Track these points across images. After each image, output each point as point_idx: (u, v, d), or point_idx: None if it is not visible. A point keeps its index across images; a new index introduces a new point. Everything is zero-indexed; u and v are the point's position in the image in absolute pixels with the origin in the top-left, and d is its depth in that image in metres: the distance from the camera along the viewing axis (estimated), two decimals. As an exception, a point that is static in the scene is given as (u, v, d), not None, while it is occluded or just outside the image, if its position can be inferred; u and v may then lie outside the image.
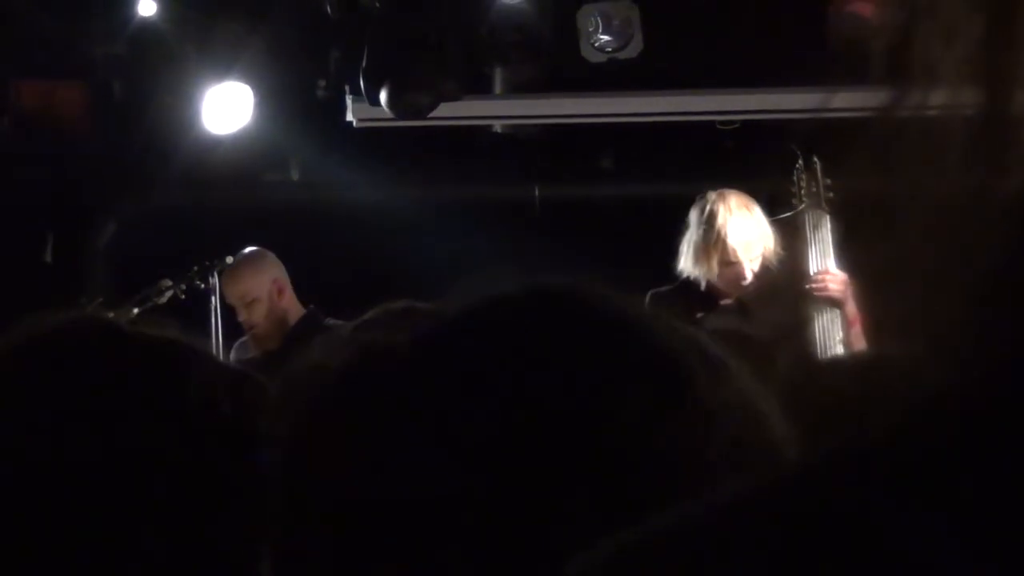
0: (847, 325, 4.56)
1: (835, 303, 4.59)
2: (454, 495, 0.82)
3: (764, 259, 4.77)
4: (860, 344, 4.41)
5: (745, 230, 4.75)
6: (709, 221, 4.75)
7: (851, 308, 4.51)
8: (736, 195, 4.82)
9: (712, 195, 4.82)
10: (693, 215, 4.82)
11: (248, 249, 5.69)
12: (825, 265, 4.68)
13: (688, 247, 4.82)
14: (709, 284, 4.81)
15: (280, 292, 5.57)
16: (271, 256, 5.67)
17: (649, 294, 4.80)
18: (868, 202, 0.55)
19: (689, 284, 4.85)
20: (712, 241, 4.73)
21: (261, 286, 5.54)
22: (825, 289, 4.61)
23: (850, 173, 0.55)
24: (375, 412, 0.86)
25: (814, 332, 4.62)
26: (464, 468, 0.82)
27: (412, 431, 0.84)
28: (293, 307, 5.61)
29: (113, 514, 1.12)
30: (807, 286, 4.65)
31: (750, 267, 4.75)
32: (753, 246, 4.75)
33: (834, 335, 4.60)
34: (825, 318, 4.60)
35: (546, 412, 0.83)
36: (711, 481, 0.81)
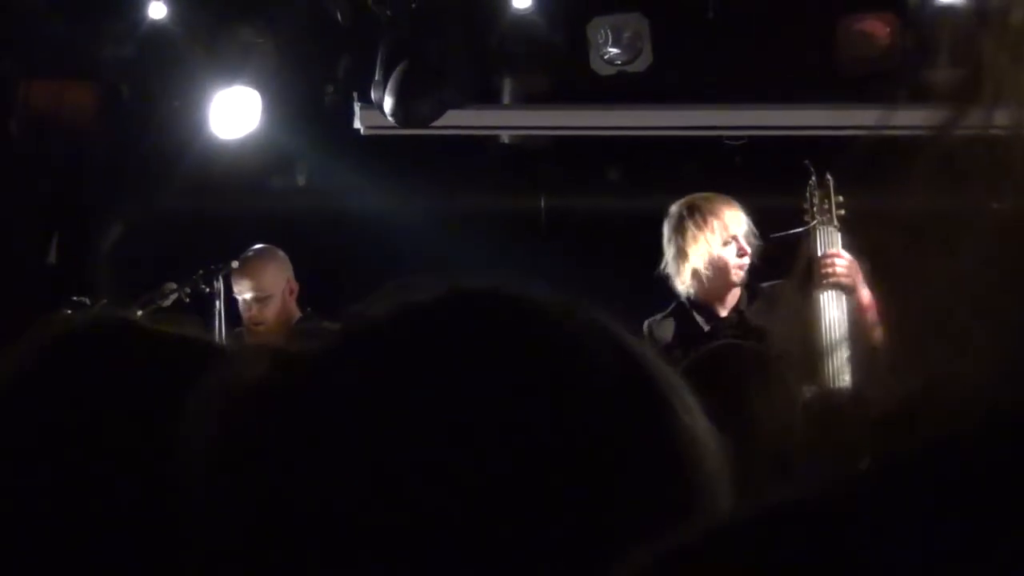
0: (859, 311, 4.35)
1: (844, 287, 4.43)
2: (366, 510, 0.80)
3: (749, 239, 4.73)
4: (874, 331, 4.23)
5: (720, 209, 4.73)
6: (680, 223, 4.74)
7: (863, 293, 4.33)
8: (695, 196, 4.83)
9: (673, 206, 4.82)
10: (666, 228, 4.80)
11: (262, 245, 5.69)
12: None
13: (674, 255, 4.77)
14: (705, 295, 4.77)
15: (291, 292, 5.59)
16: (284, 255, 5.68)
17: (646, 324, 4.77)
18: (920, 222, 0.55)
19: (683, 306, 4.83)
20: (695, 229, 4.70)
21: (278, 284, 5.55)
22: (834, 272, 4.45)
23: (906, 192, 0.55)
24: (287, 426, 0.84)
25: (821, 337, 4.47)
26: (375, 482, 0.80)
27: (324, 445, 0.82)
28: (296, 309, 5.62)
29: (142, 510, 1.12)
30: (816, 269, 4.49)
31: (740, 243, 4.72)
32: (734, 221, 4.72)
33: (842, 322, 4.42)
34: (833, 304, 4.45)
35: (461, 423, 0.81)
36: (639, 492, 0.81)
